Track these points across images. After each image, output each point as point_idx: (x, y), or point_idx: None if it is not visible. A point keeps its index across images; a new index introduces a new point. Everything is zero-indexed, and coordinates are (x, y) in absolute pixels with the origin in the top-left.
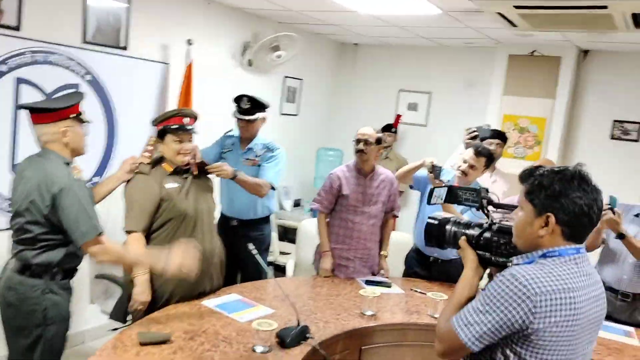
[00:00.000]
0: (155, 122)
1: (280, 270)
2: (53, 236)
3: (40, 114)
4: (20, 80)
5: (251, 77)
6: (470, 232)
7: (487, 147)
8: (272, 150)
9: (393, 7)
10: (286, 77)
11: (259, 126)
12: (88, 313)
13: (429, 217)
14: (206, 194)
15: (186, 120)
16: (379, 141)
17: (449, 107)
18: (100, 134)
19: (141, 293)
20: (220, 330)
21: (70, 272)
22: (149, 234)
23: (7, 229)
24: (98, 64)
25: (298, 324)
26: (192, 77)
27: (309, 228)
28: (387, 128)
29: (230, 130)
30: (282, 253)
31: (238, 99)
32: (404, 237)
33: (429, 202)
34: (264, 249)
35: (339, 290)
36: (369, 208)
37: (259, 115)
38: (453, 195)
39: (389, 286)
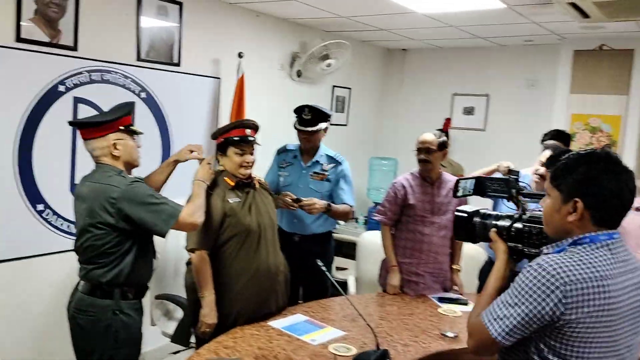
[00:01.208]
0: (217, 135)
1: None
2: (121, 247)
3: (89, 128)
4: (78, 100)
5: (300, 88)
6: (500, 223)
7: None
8: (340, 164)
9: (454, 5)
10: (334, 86)
11: (321, 137)
12: (148, 335)
13: (457, 210)
14: (268, 209)
15: (248, 131)
16: (442, 146)
17: (510, 110)
18: (156, 150)
19: (208, 314)
20: (292, 354)
21: (141, 291)
22: (212, 252)
23: (72, 250)
24: (152, 81)
25: (377, 348)
26: (244, 90)
27: (370, 241)
28: None
29: (284, 146)
30: (337, 269)
31: (299, 110)
32: (476, 249)
33: (454, 195)
34: (328, 265)
35: (412, 308)
36: (439, 218)
37: (321, 125)
38: (481, 187)
39: (465, 304)
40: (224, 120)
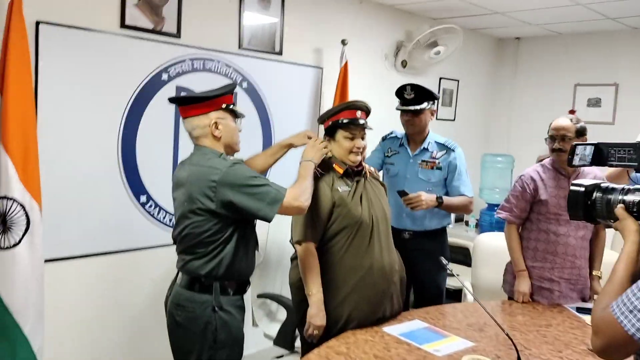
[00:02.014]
0: (324, 118)
1: (449, 295)
2: (221, 235)
3: (191, 105)
4: (180, 89)
5: (405, 80)
6: (629, 198)
7: None
8: (452, 150)
9: None
10: (441, 78)
11: (427, 119)
12: (250, 337)
13: (573, 184)
14: (381, 200)
15: (359, 113)
16: (580, 133)
17: None
18: (257, 140)
19: (316, 315)
20: None
21: (242, 286)
22: (320, 247)
23: (172, 244)
24: (254, 70)
25: None
26: (347, 78)
27: (488, 244)
28: None
29: (390, 133)
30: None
31: (400, 90)
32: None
33: (569, 164)
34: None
35: (547, 319)
36: None
37: (426, 105)
38: (602, 154)
39: None
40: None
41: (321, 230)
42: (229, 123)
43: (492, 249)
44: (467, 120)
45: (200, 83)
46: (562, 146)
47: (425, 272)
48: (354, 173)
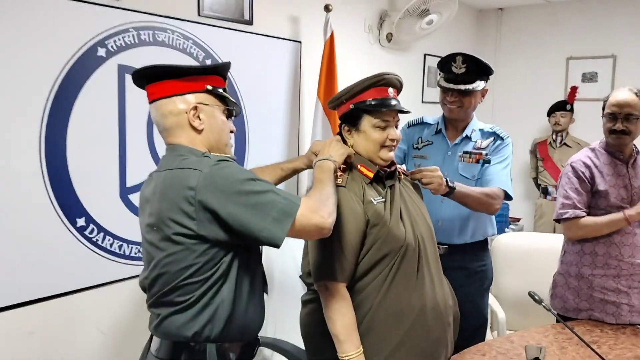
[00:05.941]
0: (341, 100)
1: None
2: (211, 272)
3: (161, 82)
4: (123, 69)
5: (388, 56)
6: None
7: None
8: (501, 139)
9: None
10: (426, 55)
11: (477, 102)
12: None
13: None
14: (421, 209)
15: (391, 91)
16: None
17: None
18: None
19: None
20: None
21: (249, 348)
22: (351, 284)
23: (126, 278)
24: (218, 44)
25: None
26: (335, 53)
27: (511, 245)
28: (560, 106)
29: (419, 119)
30: None
31: (446, 61)
32: None
33: None
34: (486, 287)
35: (629, 346)
36: None
37: (479, 84)
38: None
39: None
40: (310, 93)
41: (353, 263)
42: (215, 113)
43: (517, 251)
44: None
45: (150, 60)
46: (626, 127)
47: (466, 297)
48: (385, 176)
